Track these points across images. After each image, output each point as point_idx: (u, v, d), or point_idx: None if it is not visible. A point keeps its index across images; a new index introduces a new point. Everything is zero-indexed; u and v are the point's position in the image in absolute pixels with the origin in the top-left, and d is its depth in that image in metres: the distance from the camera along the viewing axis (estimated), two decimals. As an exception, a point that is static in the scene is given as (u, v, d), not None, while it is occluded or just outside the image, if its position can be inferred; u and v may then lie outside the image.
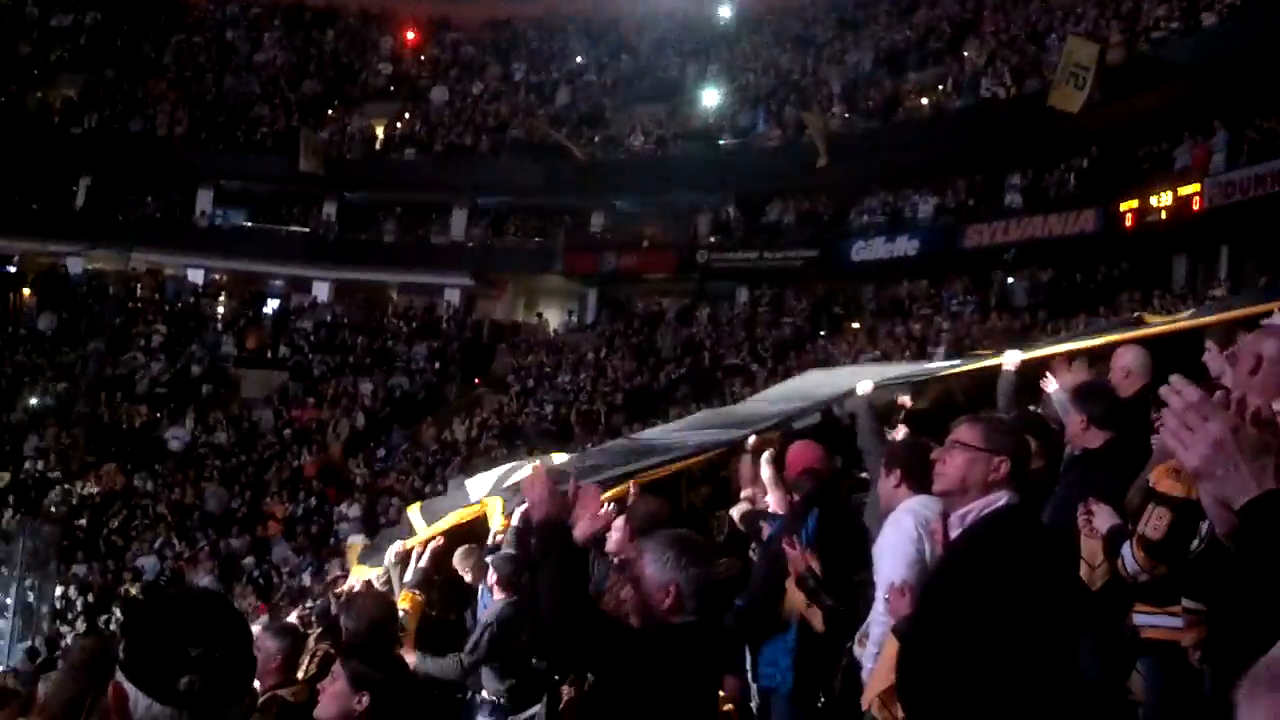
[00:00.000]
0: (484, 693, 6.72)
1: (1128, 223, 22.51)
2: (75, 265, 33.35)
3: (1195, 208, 21.06)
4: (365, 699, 4.14)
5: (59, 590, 23.45)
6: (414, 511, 8.93)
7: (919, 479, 4.75)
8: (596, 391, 27.68)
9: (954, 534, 3.83)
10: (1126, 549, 4.36)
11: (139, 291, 33.26)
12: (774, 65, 33.09)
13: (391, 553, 8.40)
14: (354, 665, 4.27)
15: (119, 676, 2.06)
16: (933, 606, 3.83)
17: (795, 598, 5.86)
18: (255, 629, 8.55)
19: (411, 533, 8.39)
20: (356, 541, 12.78)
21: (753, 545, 7.02)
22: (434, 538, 7.96)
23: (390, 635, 5.51)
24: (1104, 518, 4.63)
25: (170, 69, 36.41)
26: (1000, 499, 3.71)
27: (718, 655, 4.01)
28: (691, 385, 26.14)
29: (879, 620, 4.57)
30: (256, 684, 5.42)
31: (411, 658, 6.66)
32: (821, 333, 27.64)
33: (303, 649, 7.33)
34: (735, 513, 6.93)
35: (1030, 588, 3.53)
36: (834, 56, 32.15)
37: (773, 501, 6.63)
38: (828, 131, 27.90)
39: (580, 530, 3.69)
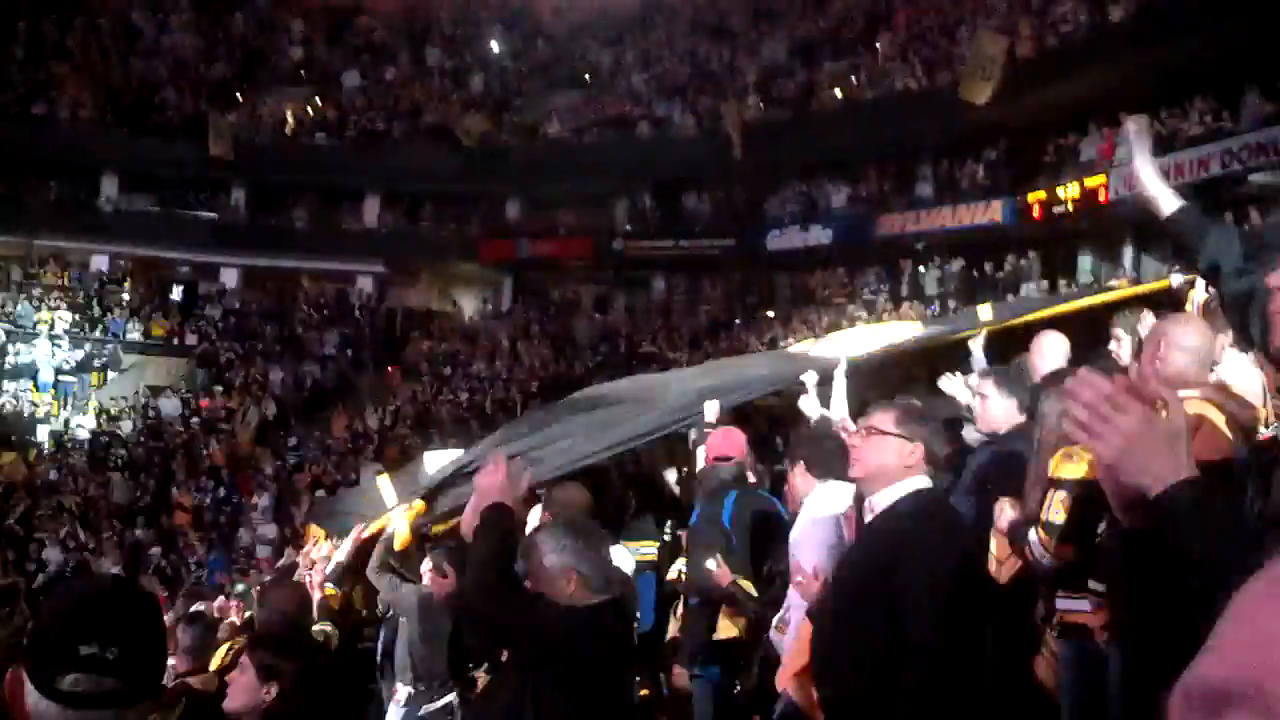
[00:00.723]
0: (398, 682, 6.67)
1: (1036, 213, 22.90)
2: (-27, 251, 32.47)
3: (1101, 199, 21.47)
4: (273, 689, 4.09)
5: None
6: (384, 480, 8.52)
7: (824, 466, 4.83)
8: (513, 379, 27.60)
9: (869, 518, 3.88)
10: (1032, 536, 4.43)
11: (43, 278, 32.40)
12: (690, 54, 33.17)
13: (350, 541, 8.12)
14: (261, 656, 4.22)
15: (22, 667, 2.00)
16: (846, 588, 3.87)
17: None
18: (168, 618, 8.41)
19: (377, 507, 8.02)
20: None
21: (669, 522, 7.05)
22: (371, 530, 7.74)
23: (304, 627, 5.43)
24: (1006, 516, 4.71)
25: (74, 52, 35.49)
26: (915, 484, 3.77)
27: (629, 635, 4.02)
28: (608, 373, 26.15)
29: (796, 606, 4.61)
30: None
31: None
32: (737, 321, 27.81)
33: (213, 638, 7.22)
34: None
35: (942, 571, 3.59)
36: (749, 46, 32.31)
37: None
38: (744, 121, 28.04)
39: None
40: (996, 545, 4.78)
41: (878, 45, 28.96)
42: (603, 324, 29.67)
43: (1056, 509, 4.34)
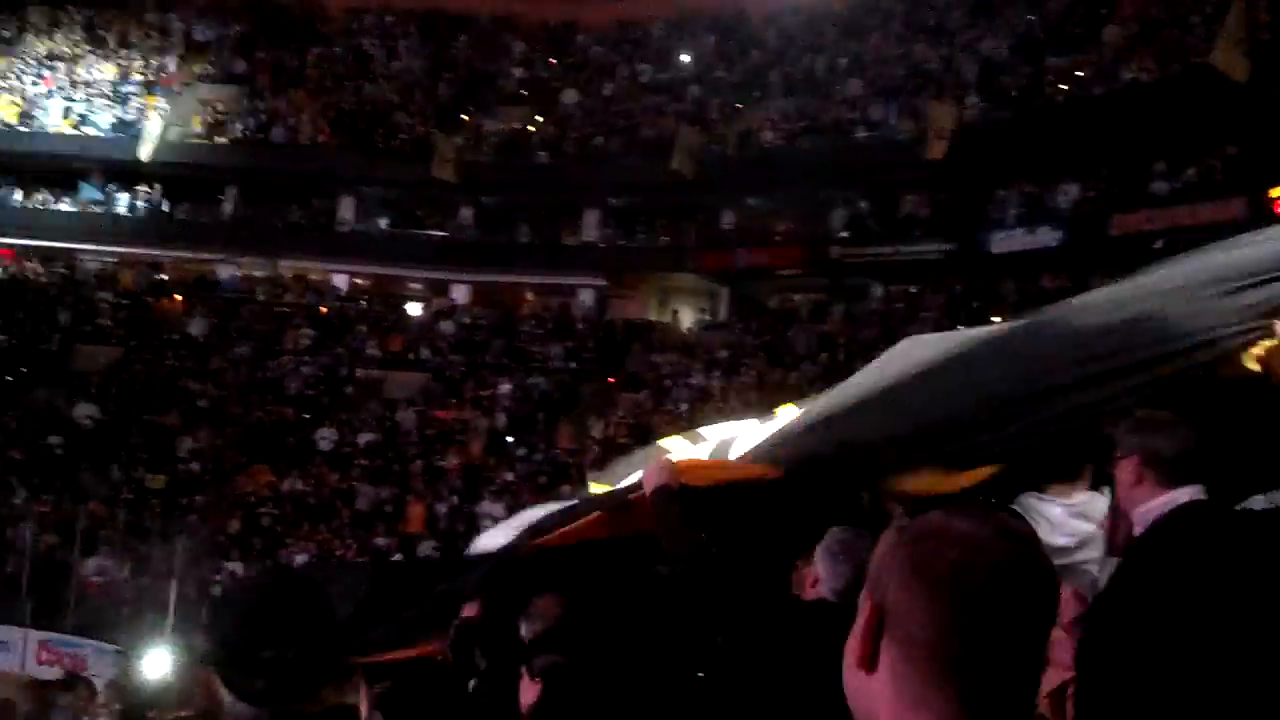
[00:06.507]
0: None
1: (1278, 209, 21.78)
2: (224, 272, 34.51)
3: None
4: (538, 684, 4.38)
5: (216, 589, 24.24)
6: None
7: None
8: (731, 390, 27.68)
9: (1136, 532, 3.75)
10: None
11: (286, 297, 34.21)
12: (906, 56, 32.70)
13: None
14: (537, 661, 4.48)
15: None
16: (1107, 608, 3.77)
17: None
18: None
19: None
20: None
21: None
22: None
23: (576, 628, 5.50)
24: None
25: (310, 79, 37.42)
26: (1182, 496, 3.54)
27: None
28: (827, 383, 25.94)
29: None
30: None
31: None
32: (960, 328, 27.19)
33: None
34: None
35: (1210, 591, 3.40)
36: (968, 45, 31.66)
37: None
38: (960, 122, 27.49)
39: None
40: None
41: (1104, 37, 27.99)
42: (820, 333, 29.44)
43: None
